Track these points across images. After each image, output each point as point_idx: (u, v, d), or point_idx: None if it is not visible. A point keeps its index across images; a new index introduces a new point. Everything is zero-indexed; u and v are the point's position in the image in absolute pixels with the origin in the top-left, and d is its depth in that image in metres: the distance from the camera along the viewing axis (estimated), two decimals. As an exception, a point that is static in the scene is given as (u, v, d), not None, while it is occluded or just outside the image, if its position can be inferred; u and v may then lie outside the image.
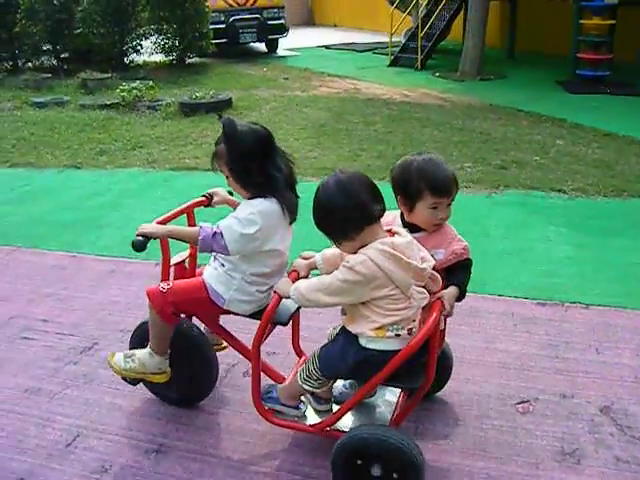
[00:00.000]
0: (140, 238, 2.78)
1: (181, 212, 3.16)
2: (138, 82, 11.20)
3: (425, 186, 2.65)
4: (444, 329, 2.87)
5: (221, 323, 3.21)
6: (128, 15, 14.42)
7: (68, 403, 3.40)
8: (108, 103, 10.95)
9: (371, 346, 2.47)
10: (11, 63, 15.11)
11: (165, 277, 3.11)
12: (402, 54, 15.79)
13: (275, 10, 17.08)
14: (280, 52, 18.11)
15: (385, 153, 8.03)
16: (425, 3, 16.47)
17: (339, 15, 25.73)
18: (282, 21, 17.16)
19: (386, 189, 2.61)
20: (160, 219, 2.99)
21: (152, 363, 3.01)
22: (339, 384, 2.97)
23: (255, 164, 2.76)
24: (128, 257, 5.14)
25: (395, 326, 2.43)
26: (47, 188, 7.15)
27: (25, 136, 9.40)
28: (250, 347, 2.77)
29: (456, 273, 2.73)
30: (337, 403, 2.85)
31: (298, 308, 2.96)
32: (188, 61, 15.20)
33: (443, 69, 14.56)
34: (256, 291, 2.89)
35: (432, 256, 2.59)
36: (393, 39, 15.89)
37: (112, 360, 3.09)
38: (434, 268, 2.57)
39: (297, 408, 2.84)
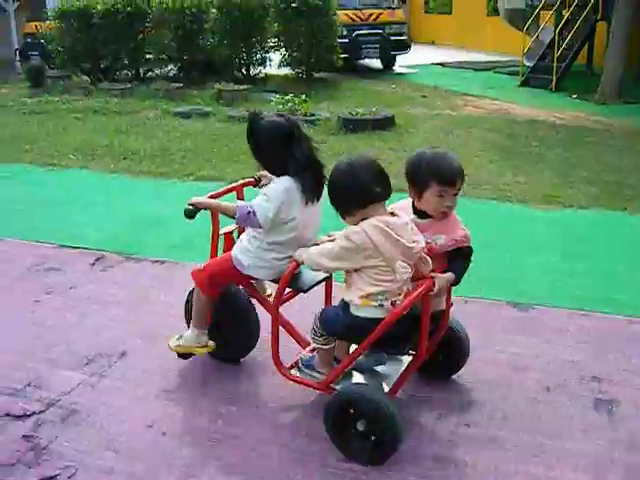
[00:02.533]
0: (190, 207, 3.18)
1: (231, 189, 3.61)
2: (291, 95, 10.61)
3: (432, 175, 2.92)
4: (448, 309, 3.15)
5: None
6: (256, 27, 13.95)
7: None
8: (259, 116, 10.39)
9: (358, 313, 2.80)
10: (135, 71, 14.76)
11: (213, 246, 3.54)
12: (534, 74, 15.04)
13: (397, 25, 16.54)
14: (397, 69, 17.48)
15: (595, 180, 7.31)
16: (554, 23, 15.73)
17: (438, 33, 25.11)
18: (404, 37, 16.58)
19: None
20: (213, 193, 3.43)
21: (193, 338, 3.44)
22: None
23: (273, 150, 3.14)
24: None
25: (379, 296, 2.75)
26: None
27: (190, 147, 8.91)
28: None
29: (455, 261, 2.98)
30: (355, 370, 3.11)
31: (322, 280, 3.29)
32: (315, 75, 14.65)
33: (577, 91, 13.77)
34: (273, 258, 3.20)
35: (434, 241, 2.93)
36: (509, 58, 15.34)
37: (169, 341, 3.54)
38: (433, 251, 2.91)
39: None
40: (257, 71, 14.56)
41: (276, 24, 14.17)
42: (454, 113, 11.55)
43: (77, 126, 10.54)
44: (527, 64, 15.38)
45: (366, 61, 17.56)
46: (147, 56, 14.69)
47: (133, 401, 3.35)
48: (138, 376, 3.58)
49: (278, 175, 3.19)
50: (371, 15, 16.26)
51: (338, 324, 2.90)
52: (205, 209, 3.29)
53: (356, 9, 16.02)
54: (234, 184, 3.67)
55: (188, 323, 3.61)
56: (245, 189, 3.69)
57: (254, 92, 12.86)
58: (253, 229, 3.22)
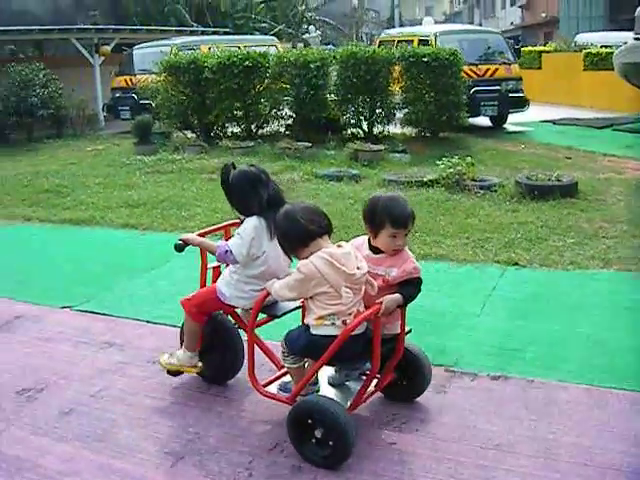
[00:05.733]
0: (180, 242, 3.83)
1: (219, 229, 4.18)
2: (456, 157, 9.59)
3: (387, 219, 3.33)
4: (402, 334, 3.50)
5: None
6: (382, 83, 13.05)
7: None
8: (425, 180, 9.39)
9: (315, 332, 3.26)
10: (247, 128, 13.90)
11: (202, 277, 4.06)
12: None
13: (514, 82, 15.61)
14: (508, 127, 16.49)
15: None
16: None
17: (531, 91, 24.15)
18: (522, 94, 15.61)
19: None
20: (201, 232, 4.05)
21: (185, 358, 3.92)
22: (330, 371, 3.65)
23: (243, 194, 3.70)
24: None
25: (331, 317, 3.21)
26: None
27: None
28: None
29: (404, 287, 3.38)
30: (330, 385, 3.63)
31: (295, 308, 3.72)
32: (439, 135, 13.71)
33: None
34: (250, 289, 3.70)
35: (387, 274, 3.38)
36: (618, 115, 14.18)
37: (161, 358, 4.04)
38: (386, 283, 3.37)
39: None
40: (381, 129, 13.54)
41: (403, 80, 13.23)
42: (622, 176, 10.46)
43: (217, 189, 9.56)
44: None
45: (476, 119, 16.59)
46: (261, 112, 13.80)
47: None
48: None
49: (247, 216, 3.71)
50: (487, 70, 15.37)
51: (299, 343, 3.32)
52: (191, 245, 3.86)
53: (472, 64, 15.08)
54: (221, 224, 4.22)
55: (181, 344, 4.03)
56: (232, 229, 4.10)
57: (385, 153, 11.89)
58: (232, 265, 3.73)
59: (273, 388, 3.67)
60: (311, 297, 3.24)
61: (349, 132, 13.81)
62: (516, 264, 6.26)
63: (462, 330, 4.91)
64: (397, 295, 3.30)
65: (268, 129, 14.52)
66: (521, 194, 8.74)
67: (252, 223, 3.64)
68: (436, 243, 6.92)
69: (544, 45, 26.85)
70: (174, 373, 4.05)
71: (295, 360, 3.42)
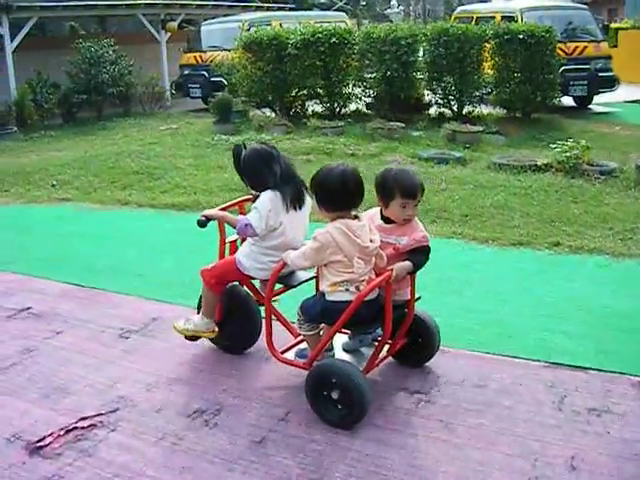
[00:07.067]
0: (202, 218, 3.91)
1: (234, 204, 4.27)
2: (571, 141, 9.01)
3: (397, 190, 3.48)
4: (412, 300, 3.67)
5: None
6: (474, 61, 12.46)
7: None
8: (538, 164, 8.86)
9: (330, 298, 3.40)
10: (330, 107, 13.44)
11: (221, 250, 4.18)
12: None
13: (603, 60, 14.88)
14: (593, 107, 15.77)
15: None
16: None
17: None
18: (611, 73, 14.89)
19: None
20: (221, 206, 4.17)
21: (202, 324, 4.05)
22: (344, 338, 3.85)
23: (257, 170, 3.81)
24: None
25: (344, 284, 3.35)
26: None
27: (501, 204, 7.39)
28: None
29: (414, 255, 3.51)
30: (344, 351, 3.79)
31: (310, 278, 3.89)
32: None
33: None
34: (269, 261, 3.78)
35: (398, 241, 3.53)
36: None
37: (176, 323, 4.16)
38: (397, 250, 3.51)
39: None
40: (470, 110, 12.97)
41: (494, 58, 12.62)
42: None
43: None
44: None
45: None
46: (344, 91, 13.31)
47: None
48: None
49: (261, 191, 3.82)
50: (576, 48, 14.66)
51: (315, 309, 3.48)
52: (213, 220, 3.98)
53: (560, 42, 14.34)
54: (235, 200, 4.32)
55: (198, 311, 4.17)
56: (246, 205, 4.29)
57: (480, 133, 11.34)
58: (251, 237, 3.84)
59: (290, 355, 3.81)
60: (325, 265, 3.39)
61: (436, 111, 13.26)
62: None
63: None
64: (407, 262, 3.46)
65: (351, 108, 14.02)
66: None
67: (268, 196, 3.76)
68: (579, 234, 6.43)
69: (609, 22, 25.81)
70: (191, 338, 4.16)
71: (311, 327, 3.58)
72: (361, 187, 3.40)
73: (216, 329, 4.08)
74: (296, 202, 3.82)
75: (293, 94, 13.60)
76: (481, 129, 11.09)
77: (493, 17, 15.30)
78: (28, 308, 5.14)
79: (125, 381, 3.99)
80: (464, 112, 12.98)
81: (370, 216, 3.62)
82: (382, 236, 3.50)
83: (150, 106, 17.49)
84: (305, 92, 13.40)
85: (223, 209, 4.12)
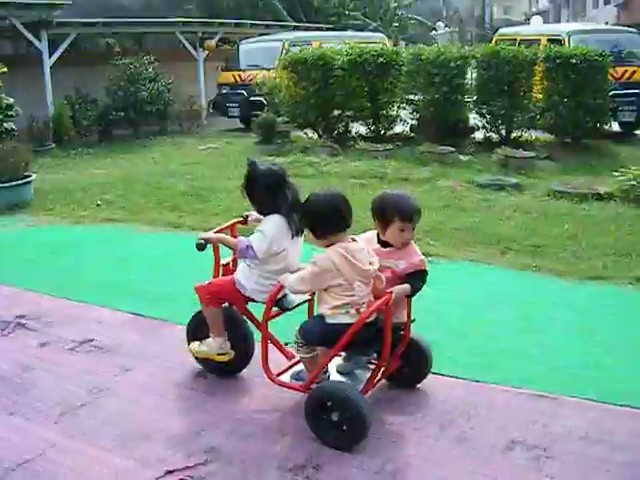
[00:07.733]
0: (201, 241, 3.91)
1: (227, 227, 4.23)
2: (633, 168, 8.68)
3: (396, 214, 3.55)
4: (408, 323, 3.72)
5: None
6: (522, 86, 12.19)
7: None
8: (601, 192, 8.55)
9: (330, 321, 3.43)
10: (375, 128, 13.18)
11: (216, 272, 4.16)
12: None
13: (653, 85, 14.47)
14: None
15: None
16: None
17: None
18: (662, 98, 14.48)
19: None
20: (216, 229, 4.14)
21: (215, 345, 3.97)
22: (339, 360, 3.79)
23: (268, 193, 3.77)
24: None
25: (345, 307, 3.38)
26: None
27: (570, 234, 7.07)
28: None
29: (412, 278, 3.58)
30: (339, 373, 3.76)
31: (305, 301, 3.93)
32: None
33: None
34: (270, 284, 3.73)
35: (396, 265, 3.58)
36: None
37: (191, 346, 4.13)
38: (395, 274, 3.57)
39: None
40: (519, 134, 12.66)
41: (543, 82, 12.33)
42: None
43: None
44: None
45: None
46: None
47: None
48: None
49: (266, 214, 3.84)
50: (625, 72, 14.30)
51: (315, 332, 3.51)
52: (211, 243, 3.99)
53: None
54: (227, 223, 4.25)
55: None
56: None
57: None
58: (250, 260, 3.83)
59: (285, 378, 3.79)
60: (325, 289, 3.41)
61: (483, 136, 12.98)
62: None
63: None
64: (406, 285, 3.54)
65: (395, 130, 13.79)
66: None
67: (275, 221, 3.75)
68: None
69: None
70: (203, 361, 4.15)
71: (309, 350, 3.60)
72: (350, 208, 3.46)
73: (230, 351, 4.00)
74: (298, 230, 3.81)
75: (336, 115, 13.36)
76: (533, 154, 10.77)
77: (538, 40, 15.02)
78: (91, 340, 4.88)
79: (212, 428, 3.70)
80: (512, 137, 12.66)
81: (367, 239, 3.67)
82: (380, 260, 3.55)
83: (187, 125, 17.35)
84: (349, 113, 13.14)
85: (219, 231, 4.12)
